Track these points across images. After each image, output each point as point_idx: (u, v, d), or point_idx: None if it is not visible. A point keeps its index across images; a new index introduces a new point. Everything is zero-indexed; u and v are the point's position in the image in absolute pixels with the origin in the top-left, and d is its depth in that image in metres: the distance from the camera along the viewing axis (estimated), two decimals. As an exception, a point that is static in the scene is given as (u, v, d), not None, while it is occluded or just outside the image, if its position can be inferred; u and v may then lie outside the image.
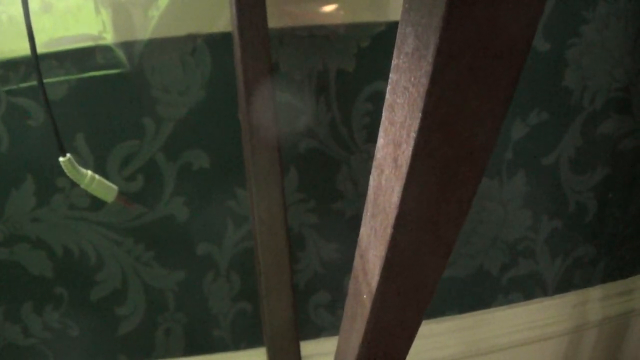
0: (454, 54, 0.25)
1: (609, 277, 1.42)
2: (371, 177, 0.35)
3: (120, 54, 0.93)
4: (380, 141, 0.32)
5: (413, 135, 0.28)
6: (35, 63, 0.62)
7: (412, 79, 0.27)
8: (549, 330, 1.37)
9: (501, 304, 1.33)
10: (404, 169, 0.29)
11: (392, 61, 0.29)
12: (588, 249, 1.36)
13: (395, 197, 0.31)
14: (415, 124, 0.27)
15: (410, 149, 0.28)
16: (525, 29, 0.25)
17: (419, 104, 0.27)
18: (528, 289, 1.35)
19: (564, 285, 1.38)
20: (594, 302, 1.41)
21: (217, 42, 0.96)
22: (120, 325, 1.10)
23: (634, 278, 1.45)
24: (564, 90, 1.19)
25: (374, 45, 1.03)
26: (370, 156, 1.09)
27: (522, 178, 1.22)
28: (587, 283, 1.40)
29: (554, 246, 1.32)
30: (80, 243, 1.02)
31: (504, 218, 1.25)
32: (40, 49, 0.63)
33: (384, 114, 0.31)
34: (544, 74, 1.16)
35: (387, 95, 0.31)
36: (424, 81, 0.26)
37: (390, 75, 0.30)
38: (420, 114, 0.27)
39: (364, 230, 0.38)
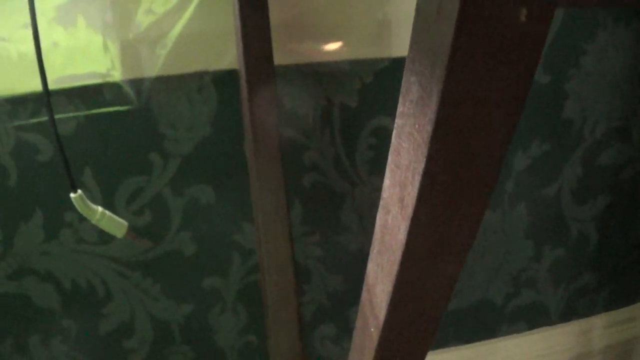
0: (456, 102, 0.26)
1: (611, 305, 1.42)
2: (378, 216, 0.36)
3: (129, 91, 0.95)
4: (387, 182, 0.34)
5: (418, 177, 0.29)
6: (46, 99, 0.63)
7: (417, 126, 0.29)
8: (554, 359, 1.38)
9: (505, 334, 1.33)
10: (409, 209, 0.30)
11: (398, 108, 0.31)
12: (590, 277, 1.36)
13: (401, 236, 0.32)
14: (420, 168, 0.29)
15: (416, 190, 0.29)
16: (522, 78, 0.26)
17: (424, 149, 0.28)
18: (532, 318, 1.35)
19: (568, 314, 1.38)
20: (597, 330, 1.41)
21: (224, 79, 0.98)
22: (127, 359, 1.10)
23: (637, 305, 1.45)
24: (564, 121, 1.20)
25: (377, 81, 1.05)
26: (374, 189, 1.10)
27: (524, 209, 1.23)
28: (590, 311, 1.40)
29: (557, 275, 1.33)
30: (88, 276, 1.03)
31: (507, 249, 1.25)
32: (49, 86, 0.64)
33: (390, 157, 0.33)
34: (545, 105, 1.17)
35: (393, 140, 0.32)
36: (428, 128, 0.27)
37: (396, 120, 0.31)
38: (424, 158, 0.28)
39: (371, 266, 0.39)
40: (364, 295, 0.41)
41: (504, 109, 0.27)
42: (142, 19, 0.93)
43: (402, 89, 0.30)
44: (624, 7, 1.05)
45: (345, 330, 1.19)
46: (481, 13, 0.24)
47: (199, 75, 0.97)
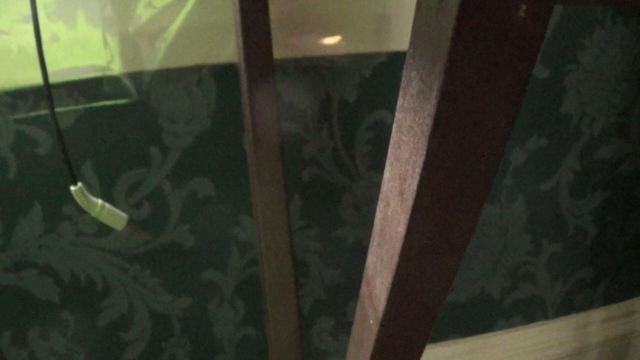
0: (456, 96, 0.27)
1: (609, 299, 1.43)
2: (377, 209, 0.36)
3: (128, 84, 0.95)
4: (387, 175, 0.34)
5: (418, 170, 0.29)
6: (47, 93, 0.63)
7: (417, 119, 0.29)
8: (551, 353, 1.38)
9: (503, 328, 1.34)
10: (409, 202, 0.31)
11: (398, 101, 0.31)
12: (588, 271, 1.37)
13: (401, 228, 0.32)
14: (420, 161, 0.29)
15: (416, 183, 0.30)
16: (521, 72, 0.27)
17: (423, 142, 0.28)
18: (529, 312, 1.35)
19: (565, 308, 1.38)
20: (595, 324, 1.41)
21: (223, 73, 0.98)
22: (125, 351, 1.10)
23: (634, 300, 1.45)
24: (562, 116, 1.20)
25: (375, 75, 1.05)
26: (372, 183, 1.11)
27: (522, 203, 1.24)
28: (587, 305, 1.41)
29: (555, 270, 1.33)
30: (87, 269, 1.03)
31: (505, 243, 1.26)
32: (49, 79, 0.64)
33: (390, 150, 0.33)
34: (543, 100, 1.18)
35: (393, 133, 0.32)
36: (428, 121, 0.27)
37: (396, 114, 0.32)
38: (424, 152, 0.28)
39: (370, 259, 0.39)
40: (363, 287, 0.41)
41: (503, 102, 0.27)
42: (142, 13, 0.93)
43: (403, 83, 0.31)
44: (622, 6, 1.05)
45: (343, 323, 1.20)
46: (481, 8, 0.24)
47: (199, 69, 0.97)
